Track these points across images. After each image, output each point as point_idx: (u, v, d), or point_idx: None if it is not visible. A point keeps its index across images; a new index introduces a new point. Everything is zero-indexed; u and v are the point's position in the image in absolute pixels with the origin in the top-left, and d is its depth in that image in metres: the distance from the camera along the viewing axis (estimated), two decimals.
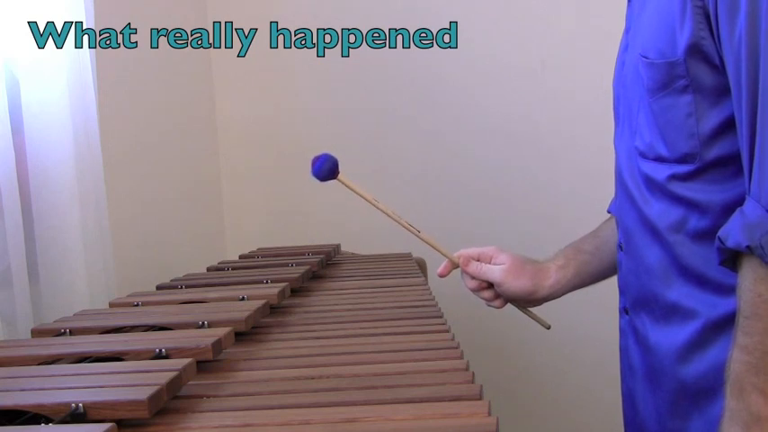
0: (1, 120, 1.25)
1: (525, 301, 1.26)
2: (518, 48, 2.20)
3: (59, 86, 1.36)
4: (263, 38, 2.31)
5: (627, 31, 1.09)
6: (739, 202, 0.89)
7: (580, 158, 2.15)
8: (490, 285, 1.24)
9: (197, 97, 2.26)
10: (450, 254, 1.26)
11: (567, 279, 1.25)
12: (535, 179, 2.21)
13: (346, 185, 1.24)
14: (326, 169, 1.22)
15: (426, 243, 1.26)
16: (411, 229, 1.26)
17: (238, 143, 2.34)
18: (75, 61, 1.40)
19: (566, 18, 2.16)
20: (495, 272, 1.23)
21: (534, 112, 2.20)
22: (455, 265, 1.26)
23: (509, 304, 1.28)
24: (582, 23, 2.14)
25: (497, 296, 1.25)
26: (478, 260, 1.25)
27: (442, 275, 1.26)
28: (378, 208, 1.25)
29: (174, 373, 0.79)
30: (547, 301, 1.26)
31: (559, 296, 1.26)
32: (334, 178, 1.23)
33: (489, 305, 1.28)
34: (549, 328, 1.32)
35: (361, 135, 2.28)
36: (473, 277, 1.25)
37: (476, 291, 1.27)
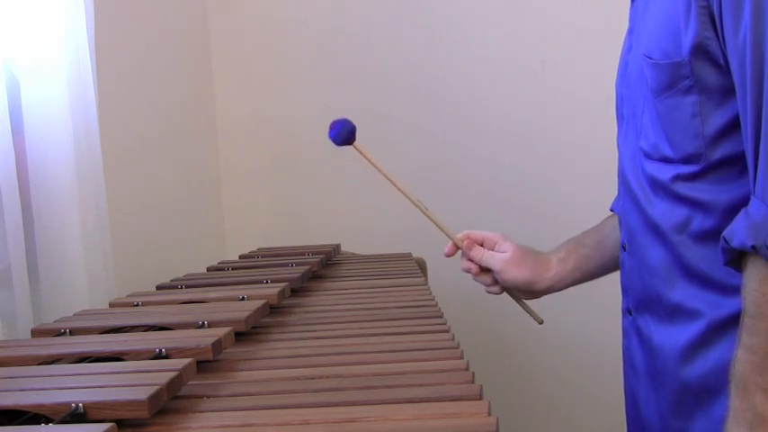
0: (1, 120, 1.24)
1: (524, 292, 1.26)
2: (518, 48, 2.20)
3: (59, 86, 1.36)
4: (263, 37, 2.31)
5: (630, 31, 1.09)
6: (744, 202, 0.89)
7: (580, 158, 2.15)
8: (489, 270, 1.25)
9: (197, 97, 2.26)
10: (454, 236, 1.26)
11: (567, 272, 1.25)
12: (535, 179, 2.21)
13: (361, 153, 1.24)
14: (345, 133, 1.22)
15: (433, 222, 1.27)
16: (420, 205, 1.26)
17: (238, 143, 2.34)
18: (75, 61, 1.40)
19: (566, 18, 2.16)
20: (496, 259, 1.23)
21: (534, 112, 2.19)
22: (459, 248, 1.26)
23: (505, 294, 1.28)
24: (582, 23, 2.14)
25: (496, 282, 1.25)
26: (482, 245, 1.25)
27: (447, 256, 1.26)
28: (389, 179, 1.25)
29: (174, 373, 0.79)
30: (546, 293, 1.26)
31: (559, 290, 1.26)
32: (350, 144, 1.23)
33: (488, 291, 1.28)
34: (541, 323, 1.31)
35: (360, 135, 2.27)
36: (472, 260, 1.25)
37: (474, 274, 1.27)
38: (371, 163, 1.23)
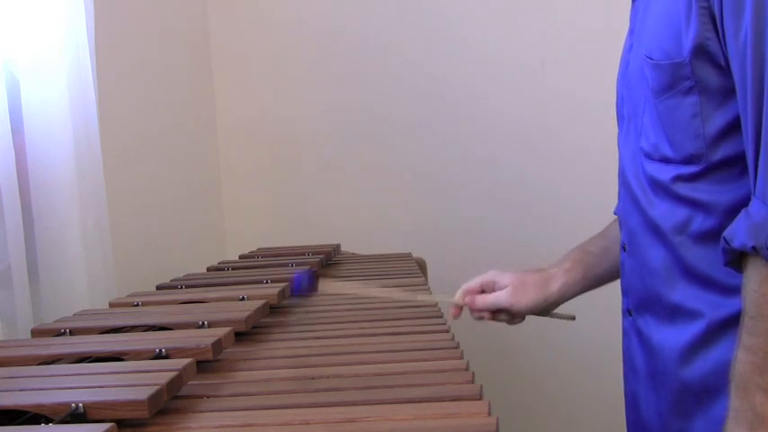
0: (1, 120, 1.24)
1: (540, 310, 1.26)
2: (518, 48, 2.20)
3: (59, 86, 1.36)
4: (263, 38, 2.31)
5: (631, 31, 1.09)
6: (745, 202, 0.89)
7: (580, 158, 2.15)
8: (502, 309, 1.25)
9: (197, 97, 2.26)
10: (453, 299, 1.26)
11: (576, 281, 1.24)
12: (535, 179, 2.21)
13: (329, 291, 1.28)
14: (306, 286, 1.28)
15: (427, 304, 1.27)
16: (408, 298, 1.27)
17: (238, 143, 2.34)
18: (75, 61, 1.40)
19: (566, 18, 2.16)
20: (501, 299, 1.23)
21: (534, 112, 2.19)
22: (462, 307, 1.26)
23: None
24: (582, 23, 2.14)
25: (513, 315, 1.25)
26: (482, 291, 1.25)
27: (455, 317, 1.26)
28: (370, 295, 1.28)
29: (174, 373, 0.79)
30: (559, 304, 1.26)
31: (569, 298, 1.25)
32: (316, 291, 1.29)
33: (512, 324, 1.28)
34: (573, 318, 1.30)
35: (360, 135, 2.28)
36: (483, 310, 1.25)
37: (490, 320, 1.26)
38: (344, 292, 1.27)
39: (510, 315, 1.25)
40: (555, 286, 1.24)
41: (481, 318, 1.26)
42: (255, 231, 2.29)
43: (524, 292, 1.23)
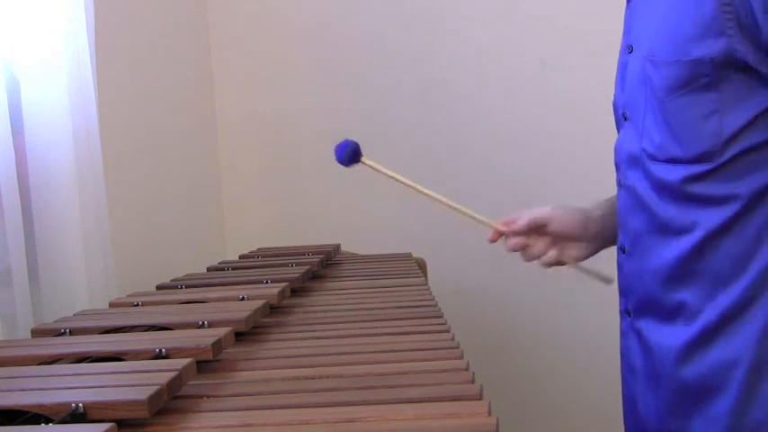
0: (1, 120, 1.24)
1: (578, 240, 1.19)
2: (518, 48, 2.20)
3: (59, 86, 1.36)
4: (263, 37, 2.31)
5: (627, 32, 1.09)
6: (753, 196, 0.89)
7: (580, 158, 2.15)
8: (541, 236, 1.18)
9: (197, 97, 2.26)
10: (492, 222, 1.20)
11: (606, 223, 1.18)
12: (535, 179, 2.21)
13: (371, 167, 1.23)
14: (349, 154, 1.24)
15: (466, 215, 1.22)
16: (447, 202, 1.23)
17: (238, 143, 2.34)
18: (75, 61, 1.40)
19: (566, 18, 2.16)
20: (542, 209, 1.18)
21: (534, 112, 2.19)
22: (501, 233, 1.19)
23: (561, 267, 1.20)
24: (582, 23, 2.14)
25: (551, 244, 1.18)
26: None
27: (492, 242, 1.20)
28: (407, 185, 1.24)
29: (174, 373, 0.79)
30: (598, 238, 1.19)
31: (608, 238, 1.19)
32: (359, 162, 1.24)
33: (544, 261, 1.18)
34: (611, 282, 1.19)
35: (360, 135, 2.26)
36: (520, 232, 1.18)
37: (524, 247, 1.18)
38: (385, 174, 1.23)
39: (546, 246, 1.17)
40: (597, 213, 1.18)
41: (515, 246, 1.18)
42: (255, 231, 2.29)
43: (566, 211, 1.18)
